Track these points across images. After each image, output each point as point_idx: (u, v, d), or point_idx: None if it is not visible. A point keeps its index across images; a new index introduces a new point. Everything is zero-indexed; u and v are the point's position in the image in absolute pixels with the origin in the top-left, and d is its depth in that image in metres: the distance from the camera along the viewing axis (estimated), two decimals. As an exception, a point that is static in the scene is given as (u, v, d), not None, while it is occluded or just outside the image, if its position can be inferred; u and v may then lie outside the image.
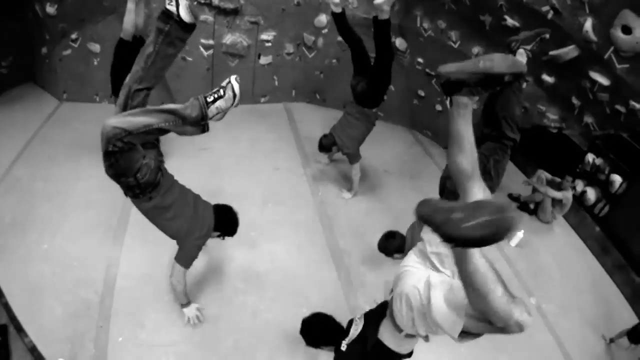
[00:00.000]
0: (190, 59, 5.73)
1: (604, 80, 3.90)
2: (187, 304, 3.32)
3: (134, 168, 2.58)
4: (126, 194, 2.88)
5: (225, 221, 3.30)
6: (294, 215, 4.76)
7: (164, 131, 2.35)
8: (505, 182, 5.89)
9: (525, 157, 6.84)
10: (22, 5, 5.38)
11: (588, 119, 4.50)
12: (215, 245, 4.12)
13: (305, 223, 4.68)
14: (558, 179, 5.85)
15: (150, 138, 2.61)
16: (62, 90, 5.97)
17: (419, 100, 6.32)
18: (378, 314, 2.49)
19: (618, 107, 4.04)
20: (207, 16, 5.42)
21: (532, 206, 5.98)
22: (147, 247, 4.03)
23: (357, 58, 4.53)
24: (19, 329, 3.13)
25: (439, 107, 6.02)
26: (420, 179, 5.71)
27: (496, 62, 1.68)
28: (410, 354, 2.53)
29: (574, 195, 6.38)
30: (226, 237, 3.42)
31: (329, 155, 5.35)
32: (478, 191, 1.68)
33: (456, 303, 1.73)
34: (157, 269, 3.85)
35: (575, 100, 4.50)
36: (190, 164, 5.10)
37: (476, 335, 1.73)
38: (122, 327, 3.36)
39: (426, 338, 2.04)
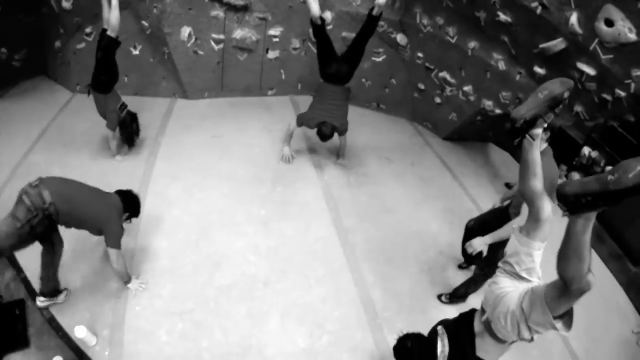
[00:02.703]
0: (201, 52, 5.87)
1: (590, 71, 4.08)
2: (129, 280, 3.53)
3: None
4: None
5: (130, 203, 3.51)
6: (302, 196, 4.93)
7: None
8: (502, 172, 6.16)
9: (519, 146, 7.04)
10: (37, 0, 5.52)
11: (578, 108, 4.67)
12: (228, 221, 4.38)
13: (312, 203, 4.86)
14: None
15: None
16: (75, 83, 6.12)
17: (419, 93, 6.46)
18: (462, 330, 2.53)
19: (605, 95, 4.22)
20: (218, 12, 5.58)
21: None
22: (164, 224, 4.23)
23: (326, 51, 4.90)
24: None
25: (438, 100, 6.19)
26: (420, 167, 5.87)
27: (550, 87, 2.06)
28: None
29: None
30: (133, 220, 3.67)
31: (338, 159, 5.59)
32: (547, 205, 2.06)
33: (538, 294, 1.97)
34: (172, 244, 4.04)
35: None
36: (204, 149, 5.35)
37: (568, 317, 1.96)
38: (140, 297, 3.53)
39: (531, 340, 2.15)
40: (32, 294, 3.34)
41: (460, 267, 4.45)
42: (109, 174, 4.72)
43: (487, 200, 5.32)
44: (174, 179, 4.81)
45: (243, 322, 3.52)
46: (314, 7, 4.56)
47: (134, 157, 5.06)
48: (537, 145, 2.11)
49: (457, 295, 3.97)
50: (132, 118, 4.94)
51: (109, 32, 4.25)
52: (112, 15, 4.15)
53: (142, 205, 3.68)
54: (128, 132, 4.93)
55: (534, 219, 2.09)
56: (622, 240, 5.22)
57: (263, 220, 4.51)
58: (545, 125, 2.14)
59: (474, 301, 3.91)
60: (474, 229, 3.91)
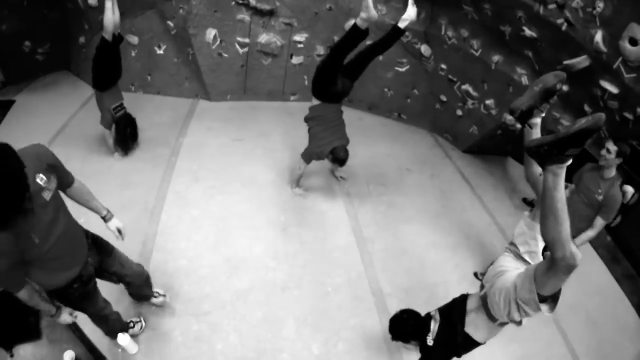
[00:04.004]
0: (226, 55, 5.90)
1: (613, 89, 4.05)
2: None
3: None
4: None
5: None
6: (321, 204, 4.93)
7: None
8: (520, 187, 6.13)
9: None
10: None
11: None
12: (248, 224, 4.39)
13: (332, 211, 4.85)
14: (572, 185, 6.00)
15: None
16: (97, 79, 6.17)
17: (440, 104, 6.44)
18: (455, 309, 2.76)
19: (626, 114, 4.20)
20: (244, 15, 5.61)
21: None
22: (182, 225, 4.25)
23: (338, 66, 4.14)
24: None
25: (459, 112, 6.17)
26: (439, 178, 5.85)
27: (544, 80, 2.22)
28: None
29: None
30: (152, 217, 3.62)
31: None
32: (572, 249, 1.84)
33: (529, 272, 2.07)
34: (191, 245, 4.06)
35: (587, 108, 4.64)
36: (225, 151, 5.37)
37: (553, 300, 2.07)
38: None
39: (519, 323, 2.24)
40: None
41: (476, 276, 4.50)
42: (129, 171, 4.77)
43: (505, 214, 5.30)
44: (194, 179, 4.84)
45: (258, 327, 3.54)
46: (372, 10, 3.72)
47: (156, 156, 5.08)
48: (559, 186, 1.83)
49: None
50: (127, 122, 4.91)
51: (103, 33, 4.25)
52: (104, 17, 4.16)
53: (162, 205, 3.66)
54: (120, 136, 4.89)
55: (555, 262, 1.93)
56: (636, 260, 5.17)
57: (282, 226, 4.51)
58: (543, 114, 2.37)
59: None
60: None
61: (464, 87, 5.85)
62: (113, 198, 4.22)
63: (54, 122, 5.39)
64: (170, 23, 5.64)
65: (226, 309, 3.60)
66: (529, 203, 6.14)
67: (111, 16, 4.15)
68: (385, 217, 4.93)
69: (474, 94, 5.77)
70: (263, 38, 5.89)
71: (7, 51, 5.76)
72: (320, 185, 5.24)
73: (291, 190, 4.99)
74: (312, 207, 4.85)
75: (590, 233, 3.83)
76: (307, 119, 4.61)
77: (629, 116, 4.22)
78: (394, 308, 3.88)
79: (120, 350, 3.12)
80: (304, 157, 4.62)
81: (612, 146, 3.63)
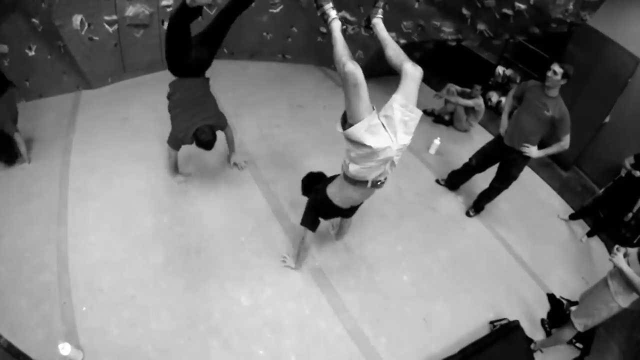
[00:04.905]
0: (97, 38, 5.64)
1: None
2: None
3: None
4: None
5: None
6: (217, 159, 4.94)
7: None
8: (419, 101, 6.20)
9: (437, 75, 7.11)
10: None
11: (481, 27, 4.74)
12: (149, 199, 4.37)
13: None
14: (468, 90, 6.16)
15: None
16: None
17: (322, 37, 6.42)
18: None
19: (505, 10, 4.29)
20: (106, -7, 5.30)
21: (447, 117, 6.30)
22: (89, 219, 4.18)
23: (187, 36, 3.71)
24: (-7, 333, 3.08)
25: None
26: (334, 108, 5.85)
27: None
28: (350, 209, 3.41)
29: (491, 106, 6.79)
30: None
31: None
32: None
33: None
34: (100, 236, 4.01)
35: (465, 11, 4.70)
36: (115, 135, 5.24)
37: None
38: (83, 297, 3.51)
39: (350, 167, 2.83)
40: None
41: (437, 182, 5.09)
42: (27, 182, 4.58)
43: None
44: (91, 171, 4.70)
45: (185, 295, 3.60)
46: None
47: (49, 159, 4.85)
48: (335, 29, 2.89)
49: (477, 209, 4.78)
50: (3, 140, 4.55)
51: None
52: None
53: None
54: None
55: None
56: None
57: (183, 190, 4.51)
58: (379, 15, 2.98)
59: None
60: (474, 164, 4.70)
61: (340, 14, 5.73)
62: (19, 214, 4.17)
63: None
64: (35, 20, 5.28)
65: (149, 287, 3.63)
66: (429, 114, 6.37)
67: None
68: (283, 156, 4.97)
69: (352, 19, 5.77)
70: (130, 11, 5.63)
71: None
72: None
73: (172, 179, 4.63)
74: (208, 165, 4.84)
75: (556, 148, 4.12)
76: (168, 97, 4.12)
77: (509, 12, 4.30)
78: (295, 221, 4.06)
79: (65, 361, 3.12)
80: (170, 143, 4.19)
81: (558, 68, 3.78)
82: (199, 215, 4.25)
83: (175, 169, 4.54)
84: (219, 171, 4.78)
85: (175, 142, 4.13)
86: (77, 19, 5.34)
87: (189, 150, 4.55)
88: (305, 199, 3.51)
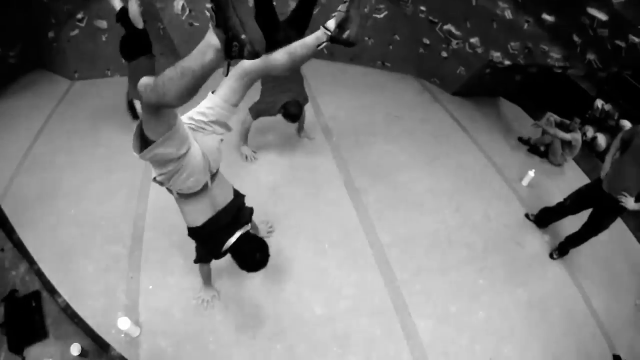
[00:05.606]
0: (197, 24, 5.71)
1: (602, 16, 3.92)
2: None
3: None
4: None
5: None
6: (310, 160, 4.80)
7: None
8: (515, 127, 5.99)
9: (534, 101, 6.82)
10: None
11: (590, 56, 4.51)
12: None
13: (322, 166, 4.73)
14: (567, 121, 5.86)
15: None
16: (73, 70, 6.02)
17: (424, 48, 6.28)
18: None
19: (618, 42, 4.06)
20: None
21: (542, 148, 5.98)
22: (172, 200, 4.12)
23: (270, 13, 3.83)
24: (52, 292, 3.11)
25: (444, 54, 6.00)
26: (430, 123, 5.73)
27: None
28: None
29: (585, 142, 6.41)
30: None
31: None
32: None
33: None
34: (181, 221, 3.95)
35: (576, 38, 4.50)
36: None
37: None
38: (151, 276, 3.47)
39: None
40: (47, 285, 3.25)
41: (527, 217, 4.77)
42: (114, 149, 4.67)
43: (501, 155, 5.17)
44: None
45: (257, 292, 3.47)
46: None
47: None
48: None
49: (562, 253, 4.41)
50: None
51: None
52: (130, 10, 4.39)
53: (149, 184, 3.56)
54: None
55: None
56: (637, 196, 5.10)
57: (271, 186, 4.40)
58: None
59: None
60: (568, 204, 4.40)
61: (446, 27, 5.68)
62: (100, 183, 4.26)
63: (35, 121, 5.25)
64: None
65: (223, 278, 3.52)
66: (525, 142, 6.02)
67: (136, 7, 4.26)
68: (378, 167, 4.81)
69: (457, 33, 5.60)
70: (232, 1, 5.69)
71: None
72: (308, 141, 5.09)
73: (240, 149, 4.71)
74: (301, 165, 4.72)
75: None
76: None
77: (621, 44, 4.08)
78: (394, 260, 3.85)
79: (122, 335, 3.08)
80: (251, 111, 4.33)
81: None
82: (284, 213, 4.11)
83: (245, 138, 4.66)
84: (310, 174, 4.65)
85: (256, 112, 4.32)
86: (178, 3, 5.48)
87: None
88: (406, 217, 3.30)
